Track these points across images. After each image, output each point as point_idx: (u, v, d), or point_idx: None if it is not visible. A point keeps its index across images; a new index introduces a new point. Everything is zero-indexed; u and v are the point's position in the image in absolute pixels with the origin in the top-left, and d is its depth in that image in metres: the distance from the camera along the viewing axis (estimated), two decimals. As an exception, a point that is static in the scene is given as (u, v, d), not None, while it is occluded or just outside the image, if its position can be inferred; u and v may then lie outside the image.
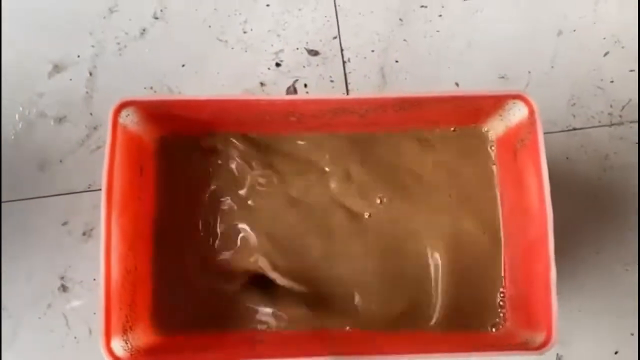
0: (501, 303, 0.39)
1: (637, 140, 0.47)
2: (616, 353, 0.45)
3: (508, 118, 0.38)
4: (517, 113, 0.37)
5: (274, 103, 0.37)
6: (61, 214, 0.46)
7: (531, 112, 0.35)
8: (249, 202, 0.41)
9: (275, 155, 0.41)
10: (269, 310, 0.39)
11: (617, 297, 0.46)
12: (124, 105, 0.35)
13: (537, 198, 0.35)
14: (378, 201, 0.41)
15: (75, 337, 0.45)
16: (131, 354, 0.34)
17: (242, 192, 0.41)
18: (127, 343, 0.35)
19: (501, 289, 0.40)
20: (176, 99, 0.36)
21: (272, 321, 0.39)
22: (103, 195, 0.34)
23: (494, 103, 0.37)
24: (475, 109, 0.38)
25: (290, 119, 0.38)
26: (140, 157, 0.39)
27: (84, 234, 0.46)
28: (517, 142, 0.37)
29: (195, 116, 0.38)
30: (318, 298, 0.39)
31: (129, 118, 0.36)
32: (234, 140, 0.41)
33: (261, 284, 0.40)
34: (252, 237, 0.40)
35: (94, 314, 0.45)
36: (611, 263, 0.46)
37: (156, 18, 0.49)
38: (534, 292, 0.35)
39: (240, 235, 0.40)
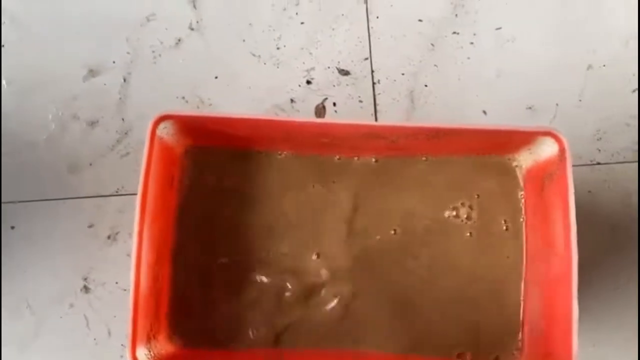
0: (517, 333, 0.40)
1: (660, 179, 0.48)
2: (629, 390, 0.46)
3: (537, 152, 0.38)
4: (546, 149, 0.37)
5: (304, 125, 0.38)
6: (88, 217, 0.47)
7: (561, 150, 0.36)
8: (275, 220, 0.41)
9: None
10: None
11: (633, 335, 0.46)
12: (163, 119, 0.36)
13: (562, 234, 0.35)
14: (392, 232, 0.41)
15: (94, 339, 0.46)
16: (154, 363, 0.35)
17: (266, 212, 0.41)
18: (150, 351, 0.36)
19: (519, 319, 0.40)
20: (213, 116, 0.37)
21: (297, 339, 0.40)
22: (137, 203, 0.35)
23: (525, 137, 0.37)
24: (505, 142, 0.39)
25: (322, 140, 0.39)
26: (172, 168, 0.40)
27: (108, 237, 0.47)
28: (546, 176, 0.38)
29: (229, 132, 0.39)
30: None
31: (165, 130, 0.37)
32: (264, 160, 0.41)
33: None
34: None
35: (114, 317, 0.46)
36: (629, 300, 0.46)
37: (192, 29, 0.50)
38: (554, 326, 0.36)
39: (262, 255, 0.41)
